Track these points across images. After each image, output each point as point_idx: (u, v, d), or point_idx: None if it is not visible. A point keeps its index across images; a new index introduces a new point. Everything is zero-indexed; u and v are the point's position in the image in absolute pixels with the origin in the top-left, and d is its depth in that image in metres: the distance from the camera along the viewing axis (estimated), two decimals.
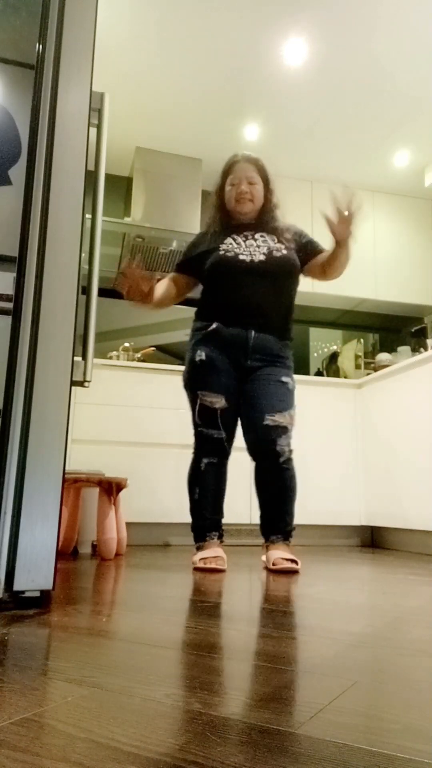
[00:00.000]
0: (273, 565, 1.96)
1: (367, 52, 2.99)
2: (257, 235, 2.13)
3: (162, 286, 2.15)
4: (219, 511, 2.10)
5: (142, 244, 3.65)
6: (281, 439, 2.00)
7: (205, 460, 2.07)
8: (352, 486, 3.32)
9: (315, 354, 4.38)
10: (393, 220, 4.27)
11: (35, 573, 1.21)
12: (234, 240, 2.12)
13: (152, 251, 3.73)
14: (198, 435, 2.09)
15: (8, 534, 1.20)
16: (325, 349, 4.41)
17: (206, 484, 2.07)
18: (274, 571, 1.96)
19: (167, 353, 3.96)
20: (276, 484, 2.02)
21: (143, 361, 3.60)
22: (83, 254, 1.71)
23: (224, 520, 2.38)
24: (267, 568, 2.02)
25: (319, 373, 4.25)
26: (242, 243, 2.11)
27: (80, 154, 1.41)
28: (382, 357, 4.01)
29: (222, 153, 3.86)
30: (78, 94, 1.44)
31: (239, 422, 2.13)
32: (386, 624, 1.12)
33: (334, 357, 4.22)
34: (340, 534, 3.36)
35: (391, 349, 4.32)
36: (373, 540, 3.41)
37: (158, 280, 2.10)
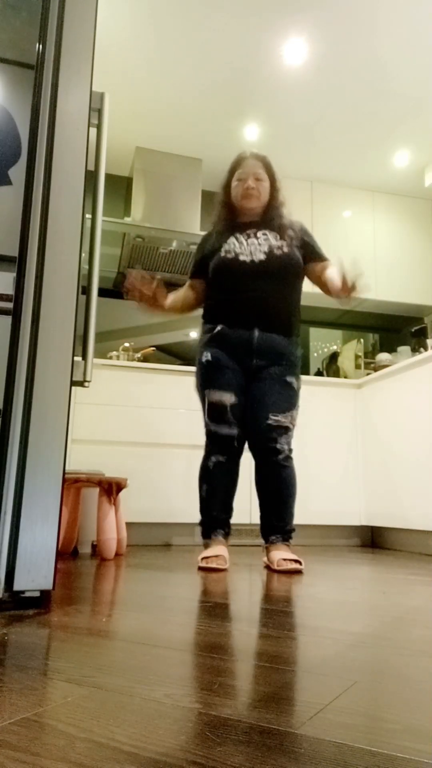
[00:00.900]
0: (277, 566, 1.95)
1: (367, 52, 2.99)
2: (259, 234, 2.14)
3: (179, 293, 2.20)
4: (227, 510, 2.11)
5: (142, 244, 3.65)
6: (282, 438, 2.03)
7: (213, 459, 2.07)
8: (352, 486, 3.32)
9: (315, 354, 4.38)
10: (393, 220, 4.27)
11: (35, 573, 1.21)
12: (236, 239, 2.13)
13: (152, 251, 3.73)
14: (208, 434, 2.09)
15: (8, 534, 1.20)
16: (325, 349, 4.41)
17: (214, 483, 2.07)
18: (278, 572, 1.95)
19: (167, 353, 3.96)
20: (274, 482, 2.04)
21: (143, 361, 3.60)
22: (83, 254, 1.71)
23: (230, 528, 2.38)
24: (270, 569, 2.02)
25: (319, 373, 4.25)
26: (244, 242, 2.12)
27: (80, 154, 1.41)
28: (382, 357, 4.01)
29: (222, 153, 3.86)
30: (78, 94, 1.44)
31: None
32: (386, 624, 1.12)
33: (334, 357, 4.22)
34: (340, 534, 3.36)
35: (391, 349, 4.32)
36: (373, 540, 3.41)
37: (160, 280, 2.10)
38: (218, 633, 1.01)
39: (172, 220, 3.69)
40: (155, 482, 3.02)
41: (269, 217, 2.18)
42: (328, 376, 4.17)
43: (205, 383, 2.10)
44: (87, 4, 1.48)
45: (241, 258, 2.08)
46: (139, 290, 2.02)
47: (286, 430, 2.04)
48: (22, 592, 1.21)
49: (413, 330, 4.20)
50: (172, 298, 2.15)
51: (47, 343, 1.30)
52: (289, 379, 2.09)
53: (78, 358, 1.48)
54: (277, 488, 2.04)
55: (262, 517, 2.10)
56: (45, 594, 1.33)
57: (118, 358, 3.54)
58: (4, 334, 1.31)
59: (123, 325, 3.94)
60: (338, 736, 0.56)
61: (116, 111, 3.50)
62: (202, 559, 2.00)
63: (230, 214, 2.21)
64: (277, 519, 2.05)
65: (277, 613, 1.20)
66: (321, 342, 4.42)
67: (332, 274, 2.10)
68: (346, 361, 4.16)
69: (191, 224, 3.73)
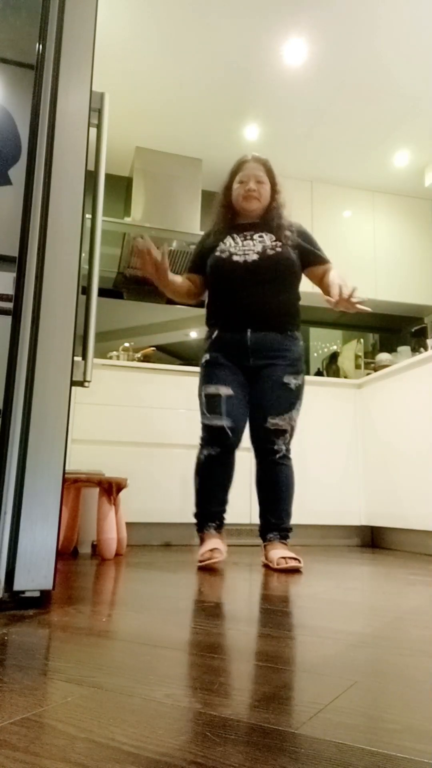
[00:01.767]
0: (276, 565, 1.97)
1: (368, 52, 2.99)
2: (256, 235, 2.16)
3: (180, 277, 2.21)
4: (219, 503, 2.11)
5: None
6: (279, 440, 2.09)
7: (206, 452, 2.08)
8: (352, 486, 3.32)
9: (315, 354, 4.38)
10: (393, 220, 4.27)
11: (35, 573, 1.21)
12: (233, 239, 2.16)
13: None
14: (203, 427, 2.11)
15: (8, 534, 1.20)
16: (325, 349, 4.41)
17: (206, 476, 2.09)
18: (277, 571, 1.96)
19: (167, 353, 3.96)
20: (270, 480, 2.09)
21: (143, 361, 3.60)
22: (83, 254, 1.70)
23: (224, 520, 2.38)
24: (269, 568, 2.03)
25: (319, 373, 4.25)
26: (239, 243, 2.14)
27: (80, 154, 1.41)
28: (382, 357, 4.01)
29: (222, 153, 3.86)
30: (78, 94, 1.44)
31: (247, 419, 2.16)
32: (386, 624, 1.12)
33: (334, 357, 4.22)
34: (340, 534, 3.36)
35: (391, 349, 4.32)
36: (373, 540, 3.41)
37: (166, 251, 2.11)
38: (218, 633, 1.01)
39: (172, 220, 3.69)
40: (155, 482, 3.02)
41: (269, 219, 2.20)
42: (328, 376, 4.17)
43: (204, 380, 2.15)
44: (87, 4, 1.48)
45: (235, 258, 2.11)
46: (145, 258, 2.02)
47: (283, 433, 2.09)
48: (22, 592, 1.21)
49: (413, 330, 4.20)
50: (172, 276, 2.15)
51: (47, 343, 1.30)
52: (287, 380, 2.09)
53: (78, 358, 1.48)
54: (273, 486, 2.09)
55: (260, 516, 2.13)
56: (45, 594, 1.33)
57: (118, 358, 3.54)
58: (4, 334, 1.31)
59: (123, 325, 3.94)
60: (338, 736, 0.56)
61: (116, 111, 3.50)
62: (199, 559, 2.02)
63: (230, 215, 2.23)
64: (273, 517, 2.09)
65: (276, 613, 1.20)
66: (321, 342, 4.42)
67: (333, 279, 2.11)
68: (346, 361, 4.16)
69: (191, 224, 3.73)
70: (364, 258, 4.12)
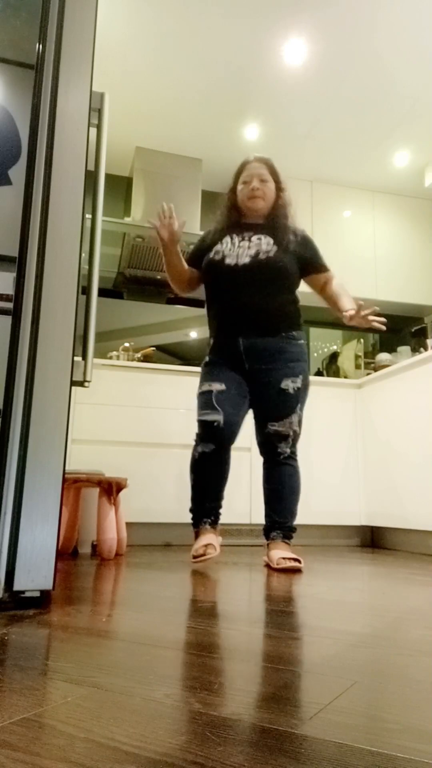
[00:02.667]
0: (276, 564, 1.97)
1: (368, 52, 2.99)
2: (254, 237, 2.16)
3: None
4: (213, 498, 2.11)
5: (142, 244, 3.65)
6: (282, 443, 2.11)
7: (200, 449, 2.08)
8: (352, 486, 3.32)
9: (315, 354, 4.38)
10: (393, 220, 4.27)
11: (35, 573, 1.21)
12: (230, 240, 2.17)
13: (152, 251, 3.73)
14: (198, 424, 2.11)
15: (8, 534, 1.20)
16: (325, 349, 4.41)
17: (200, 473, 2.09)
18: (277, 571, 1.96)
19: (167, 353, 3.96)
20: (276, 479, 2.10)
21: (143, 361, 3.60)
22: (83, 254, 1.70)
23: (224, 520, 2.39)
24: (270, 567, 2.03)
25: (319, 373, 4.25)
26: (235, 244, 2.15)
27: (80, 154, 1.41)
28: (382, 357, 4.01)
29: (222, 153, 3.86)
30: (78, 94, 1.44)
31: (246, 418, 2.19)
32: (386, 624, 1.12)
33: (334, 357, 4.22)
34: (340, 534, 3.36)
35: (391, 349, 4.32)
36: (373, 540, 3.41)
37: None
38: (218, 633, 1.01)
39: None
40: (155, 482, 3.02)
41: (272, 219, 2.20)
42: (328, 376, 4.17)
43: (200, 381, 2.18)
44: (87, 4, 1.48)
45: (227, 261, 2.12)
46: (163, 221, 2.06)
47: (285, 437, 2.10)
48: (22, 592, 1.21)
49: (413, 330, 4.20)
50: (179, 254, 2.17)
51: (47, 343, 1.30)
52: (285, 384, 2.09)
53: (78, 358, 1.48)
54: (278, 485, 2.10)
55: (265, 515, 2.14)
56: (45, 594, 1.33)
57: (118, 358, 3.54)
58: (4, 334, 1.31)
59: (123, 325, 3.94)
60: (338, 736, 0.56)
61: (116, 111, 3.50)
62: (193, 554, 2.02)
63: (235, 215, 2.24)
64: (277, 515, 2.09)
65: (277, 613, 1.20)
66: (321, 342, 4.42)
67: (338, 291, 2.16)
68: (346, 361, 4.16)
69: (191, 224, 3.73)
70: (364, 258, 4.12)
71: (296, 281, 2.20)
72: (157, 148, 3.83)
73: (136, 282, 4.01)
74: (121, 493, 2.91)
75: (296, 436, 2.12)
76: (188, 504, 3.01)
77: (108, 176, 4.12)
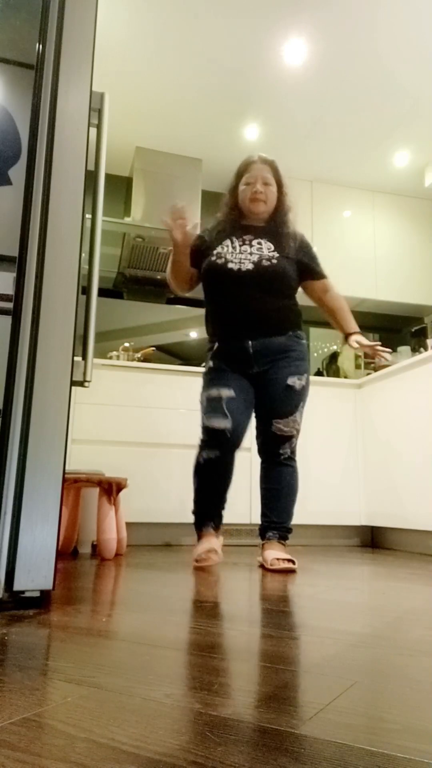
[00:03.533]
0: (270, 565, 1.97)
1: (368, 52, 2.99)
2: (255, 242, 2.14)
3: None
4: (218, 502, 2.11)
5: (142, 244, 3.65)
6: (285, 444, 2.11)
7: (205, 454, 2.07)
8: (352, 486, 3.32)
9: (315, 354, 4.38)
10: (393, 220, 4.27)
11: (35, 573, 1.21)
12: (231, 243, 2.14)
13: (152, 251, 3.73)
14: (202, 429, 2.10)
15: (8, 534, 1.20)
16: (325, 349, 4.41)
17: (204, 478, 2.09)
18: (270, 571, 1.96)
19: (167, 353, 3.96)
20: (274, 479, 2.10)
21: (143, 361, 3.60)
22: (83, 254, 1.71)
23: (224, 520, 2.39)
24: (264, 568, 2.03)
25: (319, 373, 4.24)
26: (237, 248, 2.13)
27: (80, 154, 1.41)
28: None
29: (222, 153, 3.86)
30: (78, 94, 1.44)
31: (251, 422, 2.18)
32: (386, 624, 1.12)
33: (334, 357, 4.22)
34: (340, 534, 3.36)
35: (391, 349, 4.31)
36: (373, 540, 3.41)
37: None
38: (218, 633, 1.01)
39: None
40: (155, 482, 3.02)
41: (274, 224, 2.19)
42: (328, 376, 4.17)
43: (206, 385, 2.14)
44: (87, 4, 1.48)
45: (230, 266, 2.09)
46: (176, 222, 2.04)
47: (288, 438, 2.10)
48: (22, 592, 1.21)
49: (413, 330, 4.20)
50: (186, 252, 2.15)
51: (47, 343, 1.30)
52: (291, 381, 2.09)
53: (78, 358, 1.48)
54: (276, 485, 2.10)
55: (261, 515, 2.14)
56: (45, 594, 1.33)
57: (118, 358, 3.54)
58: (4, 334, 1.31)
59: (123, 325, 3.94)
60: (338, 736, 0.56)
61: (116, 111, 3.49)
62: (195, 559, 2.03)
63: (236, 216, 2.22)
64: (274, 515, 2.09)
65: (276, 613, 1.20)
66: (321, 342, 4.42)
67: (340, 306, 2.22)
68: (346, 361, 4.16)
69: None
70: (364, 258, 4.12)
71: (296, 286, 2.21)
72: (157, 148, 3.83)
73: (136, 282, 4.01)
74: (121, 493, 2.91)
75: (297, 435, 2.13)
76: (189, 504, 3.02)
77: (108, 176, 4.12)
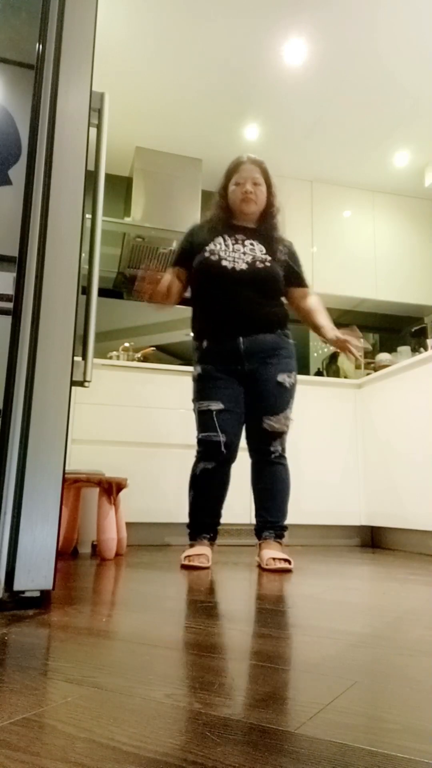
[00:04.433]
0: (266, 565, 1.98)
1: (368, 52, 2.99)
2: (247, 242, 2.15)
3: (166, 279, 2.18)
4: (213, 515, 2.13)
5: (142, 244, 3.65)
6: (276, 442, 2.11)
7: (201, 466, 2.09)
8: (352, 486, 3.32)
9: (315, 354, 4.38)
10: (393, 220, 4.27)
11: (35, 573, 1.21)
12: (224, 241, 2.15)
13: (152, 251, 3.73)
14: (198, 442, 2.11)
15: (8, 534, 1.20)
16: (325, 349, 4.41)
17: (200, 490, 2.10)
18: (267, 571, 1.96)
19: (167, 353, 3.96)
20: (265, 478, 2.11)
21: (143, 361, 3.60)
22: (83, 254, 1.71)
23: (224, 520, 2.39)
24: (261, 568, 2.03)
25: (319, 373, 4.25)
26: (230, 246, 2.13)
27: (80, 154, 1.41)
28: (382, 357, 4.01)
29: (222, 153, 3.86)
30: (78, 94, 1.44)
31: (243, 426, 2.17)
32: (386, 624, 1.12)
33: (334, 357, 4.22)
34: (340, 534, 3.36)
35: (391, 349, 4.32)
36: (373, 540, 3.41)
37: (161, 273, 2.15)
38: (218, 633, 1.01)
39: (172, 220, 3.69)
40: (155, 482, 3.02)
41: (263, 226, 2.20)
42: (328, 376, 4.17)
43: (197, 395, 2.14)
44: (87, 4, 1.48)
45: (224, 263, 2.10)
46: (155, 286, 2.07)
47: (279, 435, 2.11)
48: (22, 592, 1.21)
49: (413, 330, 4.20)
50: (165, 283, 2.15)
51: (47, 343, 1.30)
52: (281, 378, 2.11)
53: (78, 358, 1.48)
54: (269, 484, 2.10)
55: (256, 515, 2.14)
56: (45, 594, 1.33)
57: (118, 358, 3.54)
58: (4, 334, 1.31)
59: (123, 325, 3.94)
60: (338, 736, 0.56)
61: (116, 111, 3.49)
62: (185, 557, 2.03)
63: (226, 216, 2.22)
64: (268, 515, 2.10)
65: (276, 613, 1.20)
66: (321, 342, 4.41)
67: (315, 307, 2.24)
68: (346, 361, 4.15)
69: (191, 224, 3.72)
70: (364, 258, 4.12)
71: (283, 289, 2.22)
72: (157, 148, 3.83)
73: (136, 282, 4.01)
74: (121, 493, 2.91)
75: (287, 433, 2.14)
76: (188, 504, 3.02)
77: (108, 176, 4.12)
